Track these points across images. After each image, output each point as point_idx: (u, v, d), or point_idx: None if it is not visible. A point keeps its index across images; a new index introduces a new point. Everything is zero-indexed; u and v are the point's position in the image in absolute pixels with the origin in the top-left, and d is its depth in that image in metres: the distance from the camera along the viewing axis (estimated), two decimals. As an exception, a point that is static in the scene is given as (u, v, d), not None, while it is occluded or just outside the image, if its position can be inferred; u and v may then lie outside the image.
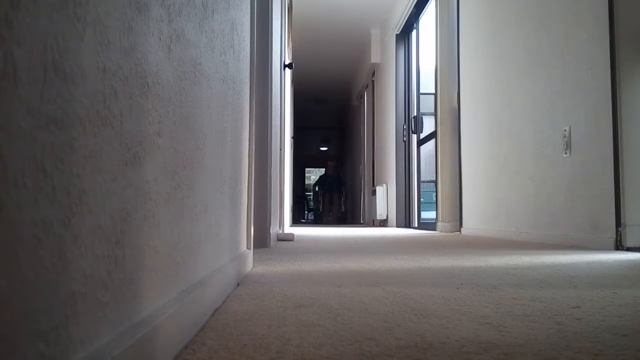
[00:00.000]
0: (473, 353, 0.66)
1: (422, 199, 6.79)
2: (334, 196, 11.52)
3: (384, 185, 7.56)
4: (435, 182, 5.24)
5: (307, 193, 15.18)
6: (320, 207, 11.91)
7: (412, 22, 6.56)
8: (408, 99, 6.79)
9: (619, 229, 2.41)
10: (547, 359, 0.63)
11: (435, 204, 5.31)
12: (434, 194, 5.44)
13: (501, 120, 3.81)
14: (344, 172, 12.79)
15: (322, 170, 13.39)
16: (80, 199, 0.42)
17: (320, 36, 8.16)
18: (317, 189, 12.20)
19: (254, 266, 1.74)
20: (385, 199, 7.50)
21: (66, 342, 0.40)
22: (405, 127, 6.75)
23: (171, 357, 0.64)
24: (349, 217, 12.19)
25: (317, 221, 12.06)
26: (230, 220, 1.32)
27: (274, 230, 3.17)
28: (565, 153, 2.90)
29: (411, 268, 1.69)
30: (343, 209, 12.10)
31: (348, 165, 12.72)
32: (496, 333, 0.77)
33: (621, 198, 2.41)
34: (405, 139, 6.76)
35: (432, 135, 5.55)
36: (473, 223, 4.36)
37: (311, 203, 15.10)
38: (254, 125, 1.78)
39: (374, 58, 8.22)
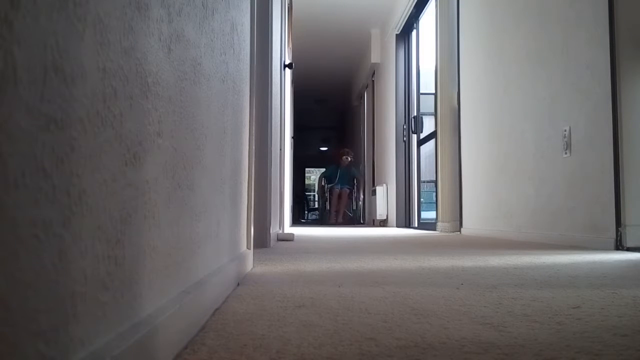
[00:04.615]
0: (473, 353, 0.66)
1: (422, 199, 6.79)
2: (343, 192, 9.36)
3: (384, 185, 7.56)
4: (435, 182, 5.24)
5: (307, 193, 15.16)
6: (327, 204, 9.64)
7: (412, 22, 6.56)
8: (408, 99, 6.79)
9: (619, 229, 2.41)
10: (547, 359, 0.63)
11: (435, 204, 5.30)
12: (434, 194, 5.44)
13: (501, 120, 3.81)
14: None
15: (323, 169, 11.46)
16: (80, 199, 0.42)
17: (320, 36, 8.15)
18: (322, 182, 10.06)
19: (254, 266, 1.74)
20: (385, 199, 7.50)
21: (66, 342, 0.40)
22: (405, 127, 6.75)
23: (171, 357, 0.64)
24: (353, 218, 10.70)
25: (323, 222, 9.88)
26: (230, 220, 1.32)
27: (274, 230, 3.17)
28: (565, 153, 2.90)
29: (411, 268, 1.69)
30: (354, 207, 10.04)
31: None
32: (496, 333, 0.77)
33: (621, 198, 2.41)
34: (405, 139, 6.76)
35: (432, 135, 5.55)
36: (473, 223, 4.36)
37: (311, 203, 14.98)
38: (254, 125, 1.78)
39: (374, 58, 8.21)
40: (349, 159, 9.33)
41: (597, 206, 2.60)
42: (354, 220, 9.93)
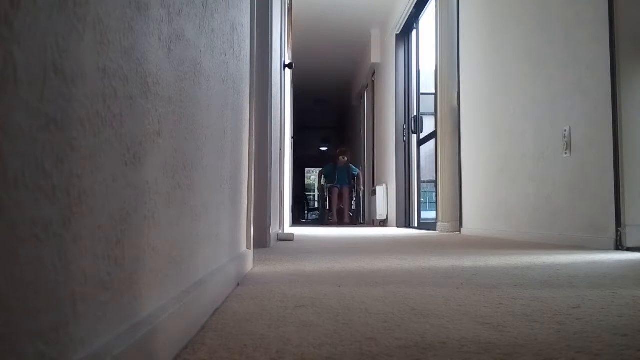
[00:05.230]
0: (473, 353, 0.66)
1: (422, 199, 6.79)
2: (343, 191, 9.11)
3: (384, 185, 7.56)
4: (435, 182, 5.24)
5: (307, 193, 15.16)
6: (327, 204, 9.33)
7: (412, 22, 6.56)
8: (408, 99, 6.79)
9: (619, 229, 2.41)
10: (547, 359, 0.63)
11: (435, 204, 5.30)
12: (434, 194, 5.44)
13: (501, 120, 3.81)
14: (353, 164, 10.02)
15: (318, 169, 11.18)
16: (80, 199, 0.42)
17: (320, 36, 8.15)
18: (322, 179, 9.60)
19: (254, 266, 1.74)
20: (385, 199, 7.50)
21: (66, 342, 0.40)
22: (405, 127, 6.75)
23: (171, 357, 0.64)
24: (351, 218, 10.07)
25: (323, 222, 9.49)
26: (230, 220, 1.32)
27: (274, 230, 3.17)
28: (565, 153, 2.90)
29: (411, 268, 1.69)
30: (354, 207, 9.62)
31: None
32: (496, 333, 0.77)
33: (621, 198, 2.41)
34: (405, 139, 6.76)
35: (432, 135, 5.55)
36: (473, 223, 4.36)
37: (311, 203, 14.97)
38: (254, 125, 1.78)
39: (374, 58, 8.21)
40: (346, 158, 9.19)
41: (597, 206, 2.60)
42: (353, 220, 9.87)
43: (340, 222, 9.08)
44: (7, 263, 0.32)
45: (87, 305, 0.44)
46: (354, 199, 9.70)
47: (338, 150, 9.42)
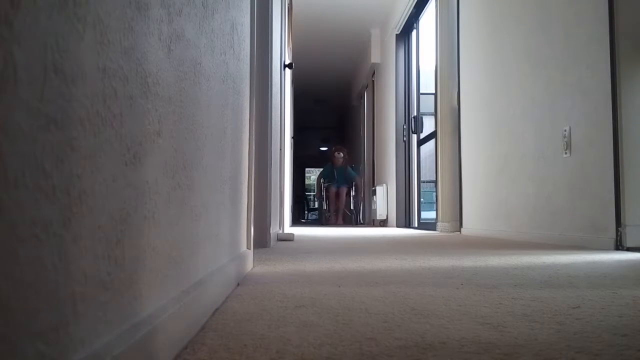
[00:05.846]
0: (473, 353, 0.66)
1: (422, 199, 6.79)
2: (340, 191, 9.07)
3: (384, 185, 7.56)
4: (435, 182, 5.24)
5: (307, 193, 15.16)
6: (325, 204, 9.28)
7: (412, 22, 6.56)
8: (408, 99, 6.79)
9: (619, 229, 2.41)
10: (547, 359, 0.63)
11: (435, 204, 5.30)
12: (434, 194, 5.44)
13: (501, 120, 3.81)
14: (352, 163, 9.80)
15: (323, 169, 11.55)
16: (80, 199, 0.42)
17: (320, 36, 8.15)
18: (321, 181, 9.49)
19: (254, 266, 1.74)
20: (385, 199, 7.49)
21: (66, 342, 0.40)
22: (405, 127, 6.75)
23: (171, 357, 0.64)
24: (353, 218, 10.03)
25: (322, 222, 9.39)
26: (230, 220, 1.32)
27: (274, 230, 3.17)
28: (565, 153, 2.90)
29: (411, 268, 1.69)
30: (352, 207, 9.66)
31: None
32: (496, 333, 0.77)
33: (621, 198, 2.41)
34: (405, 139, 6.76)
35: (432, 135, 5.55)
36: (473, 223, 4.36)
37: (311, 203, 14.96)
38: (254, 125, 1.78)
39: (374, 58, 8.21)
40: (341, 154, 9.10)
41: (597, 206, 2.60)
42: (352, 220, 9.74)
43: (336, 222, 9.02)
44: (7, 263, 0.32)
45: (87, 305, 0.44)
46: (353, 198, 9.70)
47: (333, 148, 9.38)
